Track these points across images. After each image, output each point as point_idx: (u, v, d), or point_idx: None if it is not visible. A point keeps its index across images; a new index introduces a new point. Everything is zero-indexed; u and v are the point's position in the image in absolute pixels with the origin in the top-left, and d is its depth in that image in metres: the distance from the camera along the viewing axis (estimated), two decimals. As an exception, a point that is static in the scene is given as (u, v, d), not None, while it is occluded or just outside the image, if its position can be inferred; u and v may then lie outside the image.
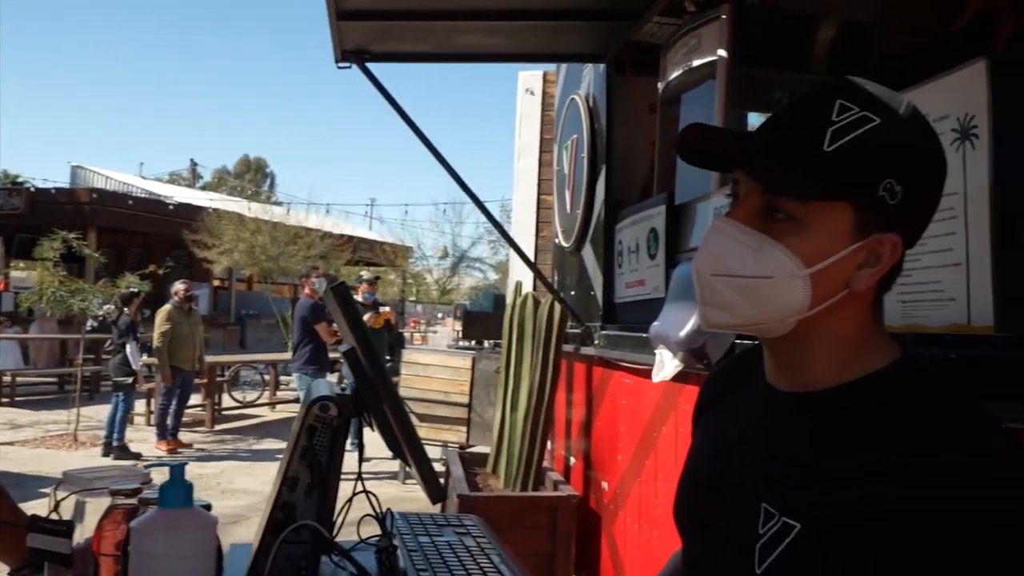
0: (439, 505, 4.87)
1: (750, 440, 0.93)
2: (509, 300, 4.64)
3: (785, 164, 0.82)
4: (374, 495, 1.31)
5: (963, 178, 1.62)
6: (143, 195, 23.32)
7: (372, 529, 1.36)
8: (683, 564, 1.04)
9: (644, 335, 2.77)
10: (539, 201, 6.78)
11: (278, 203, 27.35)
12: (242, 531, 5.09)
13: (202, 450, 8.78)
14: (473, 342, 9.04)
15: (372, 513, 1.30)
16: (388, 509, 1.37)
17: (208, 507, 1.21)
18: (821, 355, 0.87)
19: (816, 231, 0.82)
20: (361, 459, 1.32)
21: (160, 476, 1.16)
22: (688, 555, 1.02)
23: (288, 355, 9.70)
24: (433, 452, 7.58)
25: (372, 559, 1.33)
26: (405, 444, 1.17)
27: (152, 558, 1.02)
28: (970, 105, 1.61)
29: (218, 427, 10.28)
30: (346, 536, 1.37)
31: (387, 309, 8.41)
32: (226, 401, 11.64)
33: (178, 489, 1.05)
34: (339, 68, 3.83)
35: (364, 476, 1.30)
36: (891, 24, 3.27)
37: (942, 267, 1.67)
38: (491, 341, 8.30)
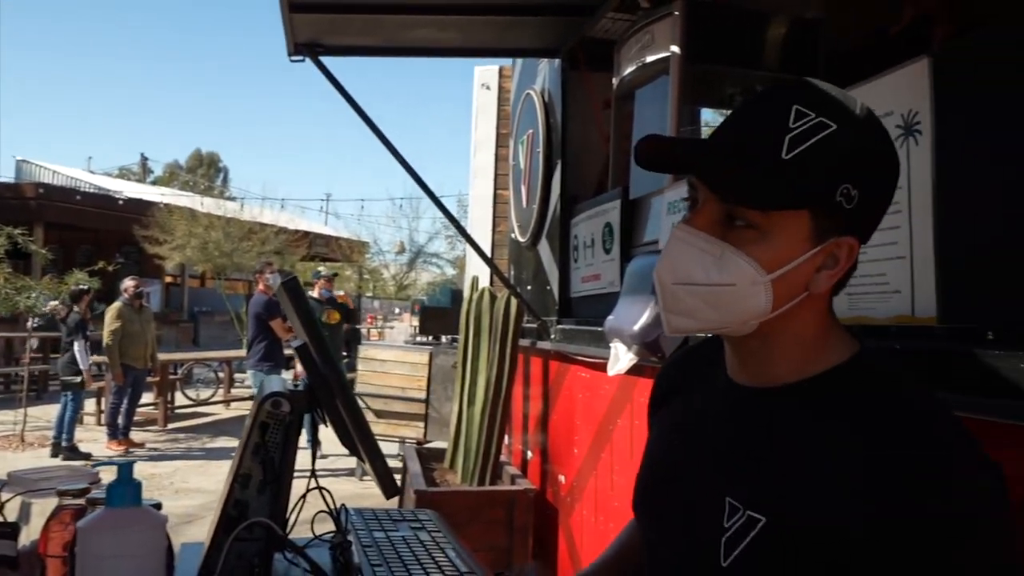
0: (396, 501, 4.86)
1: (710, 433, 0.94)
2: (466, 295, 4.64)
3: (744, 175, 0.82)
4: (328, 491, 1.30)
5: (907, 173, 1.65)
6: (92, 190, 22.80)
7: (327, 526, 1.36)
8: (642, 551, 1.04)
9: (600, 329, 2.79)
10: (495, 196, 6.78)
11: (232, 198, 26.92)
12: (196, 531, 5.02)
13: (155, 449, 8.63)
14: (430, 337, 9.02)
15: (326, 509, 1.29)
16: (342, 505, 1.36)
17: (158, 506, 1.19)
18: (782, 353, 0.89)
19: (776, 238, 0.83)
20: (315, 455, 1.31)
21: (109, 476, 1.14)
22: (648, 544, 1.02)
23: (243, 352, 9.58)
24: (390, 448, 7.56)
25: (327, 555, 1.32)
26: (358, 440, 1.16)
27: (100, 558, 1.00)
28: (914, 101, 1.65)
29: (171, 426, 10.12)
30: (301, 533, 1.36)
31: (342, 293, 8.32)
32: (179, 399, 11.46)
33: (126, 488, 1.04)
34: (292, 62, 3.79)
35: (321, 473, 1.29)
36: (838, 23, 3.33)
37: (888, 260, 1.71)
38: (448, 336, 8.29)
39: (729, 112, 0.91)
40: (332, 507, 1.34)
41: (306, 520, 1.33)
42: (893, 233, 1.69)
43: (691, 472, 0.94)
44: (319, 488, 1.24)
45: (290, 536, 1.31)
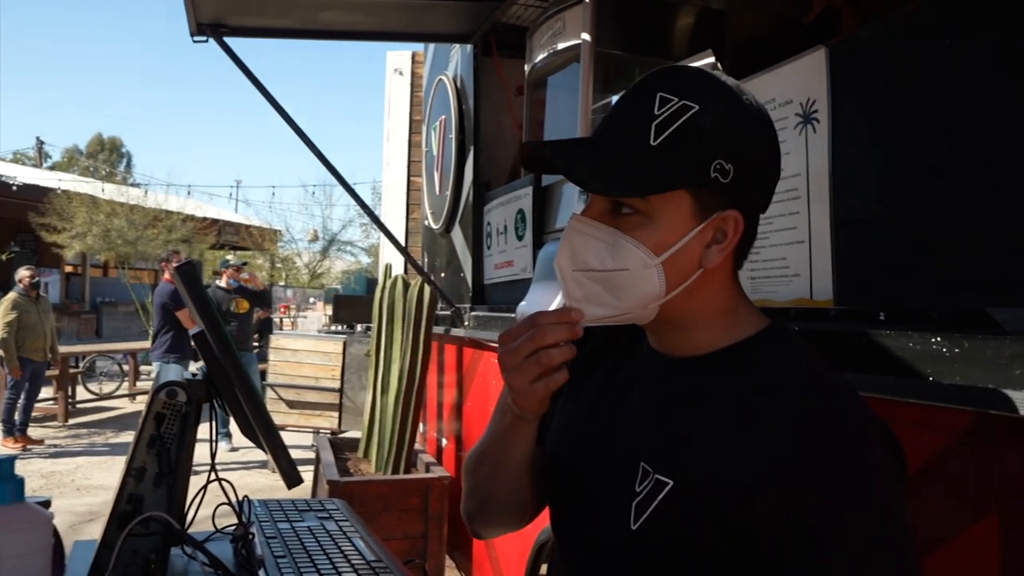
0: (309, 492, 4.78)
1: (629, 400, 0.96)
2: (379, 283, 4.59)
3: (614, 169, 0.85)
4: (229, 483, 1.26)
5: (805, 160, 1.70)
6: (-19, 175, 21.63)
7: (231, 519, 1.32)
8: (553, 521, 1.05)
9: (513, 315, 2.80)
10: (409, 183, 6.72)
11: (136, 184, 25.95)
12: (98, 529, 4.84)
13: (55, 446, 8.27)
14: (344, 326, 8.89)
15: (227, 501, 1.26)
16: (245, 496, 1.32)
17: (47, 503, 1.14)
18: (695, 330, 0.92)
19: (660, 220, 0.86)
20: (214, 445, 1.27)
21: None
22: (561, 508, 1.03)
23: (148, 344, 9.26)
24: (304, 439, 7.44)
25: (228, 549, 1.29)
26: (259, 430, 1.13)
27: (-20, 559, 0.95)
28: (811, 90, 1.70)
29: (72, 421, 9.71)
30: (203, 527, 1.32)
31: (247, 276, 8.09)
32: (81, 393, 11.01)
33: (7, 485, 0.98)
34: (195, 42, 3.67)
35: (232, 466, 1.26)
36: (743, 12, 3.41)
37: (788, 245, 1.76)
38: (363, 325, 8.18)
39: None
40: (235, 499, 1.30)
41: (210, 514, 1.29)
42: (793, 219, 1.74)
43: (608, 437, 0.96)
44: (219, 480, 1.20)
45: (190, 530, 1.27)
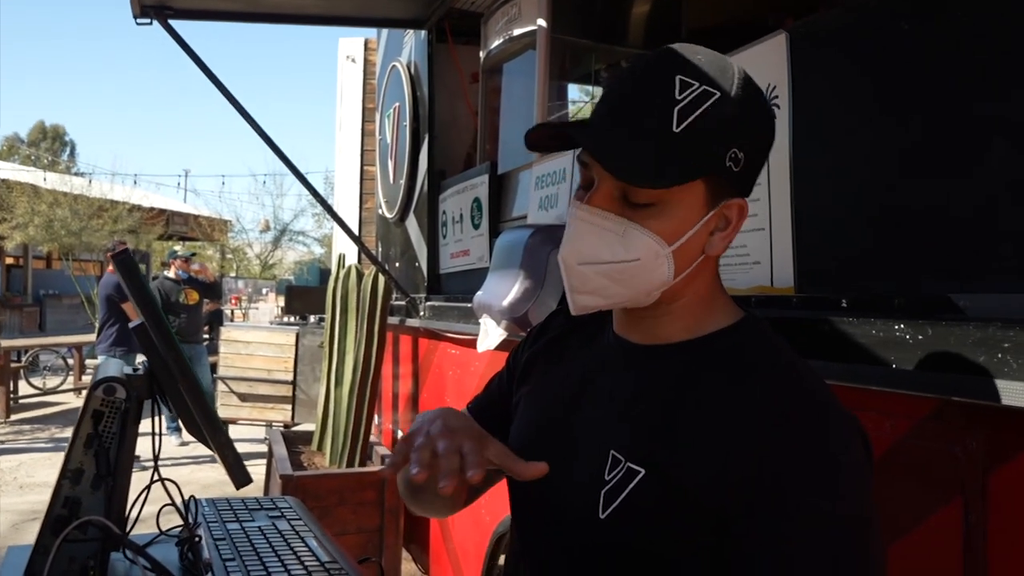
0: (261, 488, 4.69)
1: (597, 388, 0.94)
2: (333, 273, 4.51)
3: (639, 155, 0.82)
4: (174, 482, 1.20)
5: (766, 146, 1.68)
6: (-84, 164, 20.88)
7: (178, 519, 1.26)
8: (514, 512, 1.01)
9: (469, 305, 2.75)
10: (363, 172, 6.61)
11: (79, 173, 25.28)
12: (42, 528, 4.69)
13: (-4, 443, 8.03)
14: (297, 317, 8.76)
15: (172, 502, 1.20)
16: (191, 496, 1.26)
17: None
18: (679, 315, 0.90)
19: (674, 209, 0.84)
20: (156, 441, 1.20)
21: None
22: (524, 496, 1.00)
23: (94, 337, 9.02)
24: (257, 432, 7.32)
25: (174, 552, 1.23)
26: (204, 426, 1.07)
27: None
28: (772, 76, 1.67)
29: (14, 417, 9.43)
30: (150, 527, 1.25)
31: (197, 267, 7.91)
32: (24, 388, 10.70)
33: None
34: (139, 24, 3.54)
35: (183, 461, 1.19)
36: (700, 1, 3.40)
37: (748, 232, 1.74)
38: (316, 316, 8.07)
39: (609, 84, 0.90)
40: (181, 499, 1.24)
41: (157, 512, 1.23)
42: (753, 206, 1.72)
43: (576, 426, 0.94)
44: (161, 480, 1.14)
45: (134, 532, 1.21)
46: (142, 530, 1.25)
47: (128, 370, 1.17)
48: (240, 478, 1.05)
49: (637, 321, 0.93)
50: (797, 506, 0.76)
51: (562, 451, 0.93)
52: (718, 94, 0.83)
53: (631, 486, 0.83)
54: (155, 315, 1.08)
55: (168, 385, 1.10)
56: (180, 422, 1.16)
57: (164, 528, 1.24)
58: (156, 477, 1.14)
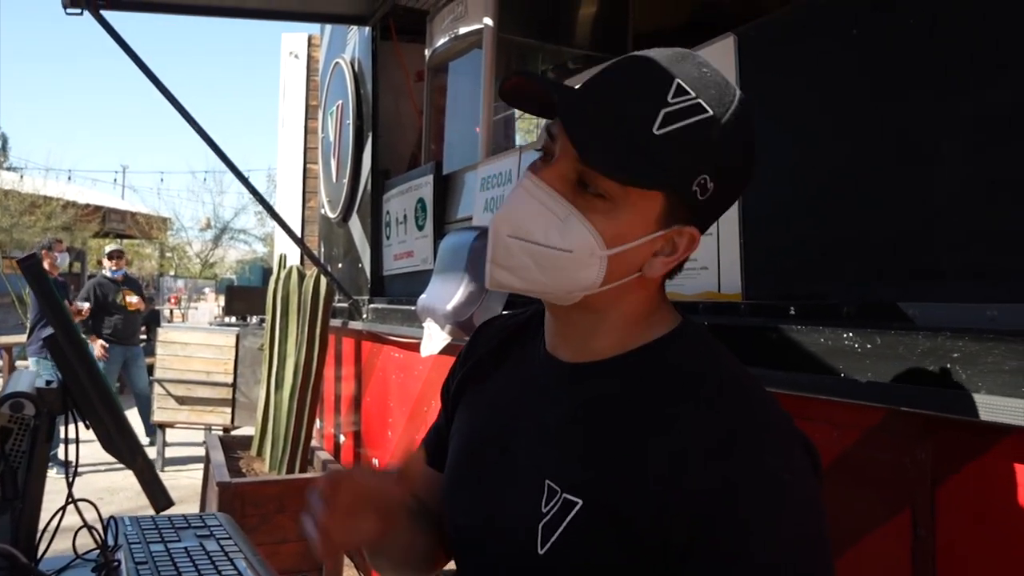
0: (200, 494, 4.56)
1: (528, 412, 0.89)
2: (273, 274, 4.40)
3: (613, 142, 0.76)
4: (91, 502, 1.12)
5: (714, 150, 1.66)
6: None
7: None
8: (448, 536, 0.96)
9: (413, 308, 2.69)
10: (306, 170, 6.50)
11: (11, 168, 24.45)
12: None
13: (-83, 449, 7.68)
14: (237, 318, 8.57)
15: (85, 524, 1.11)
16: (111, 517, 1.18)
17: None
18: (606, 328, 0.85)
19: (623, 213, 0.79)
20: (68, 460, 1.12)
21: None
22: (455, 529, 0.95)
23: (24, 338, 8.69)
24: (195, 436, 7.13)
25: (91, 577, 1.15)
26: (121, 445, 1.00)
27: None
28: (720, 78, 1.65)
29: (-62, 422, 9.05)
30: (66, 545, 1.17)
31: (123, 260, 7.64)
32: (-52, 392, 10.28)
33: None
34: (68, 15, 3.39)
35: (113, 468, 1.11)
36: (649, 2, 3.39)
37: (696, 237, 1.71)
38: (257, 317, 7.89)
39: (608, 65, 0.84)
40: (99, 518, 1.16)
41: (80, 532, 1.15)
42: (701, 210, 1.69)
43: (507, 453, 0.88)
44: (74, 502, 1.06)
45: (49, 555, 1.12)
46: (58, 550, 1.17)
47: (41, 383, 1.08)
48: (160, 501, 0.98)
49: (567, 336, 0.88)
50: (745, 536, 0.72)
51: (496, 483, 0.88)
52: (710, 113, 0.78)
53: (569, 518, 0.78)
54: (67, 325, 1.00)
55: (83, 400, 1.02)
56: (67, 452, 1.08)
57: (81, 551, 1.15)
58: (70, 499, 1.06)
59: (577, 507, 0.78)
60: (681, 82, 0.78)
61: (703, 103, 0.78)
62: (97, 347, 6.89)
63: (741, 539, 0.72)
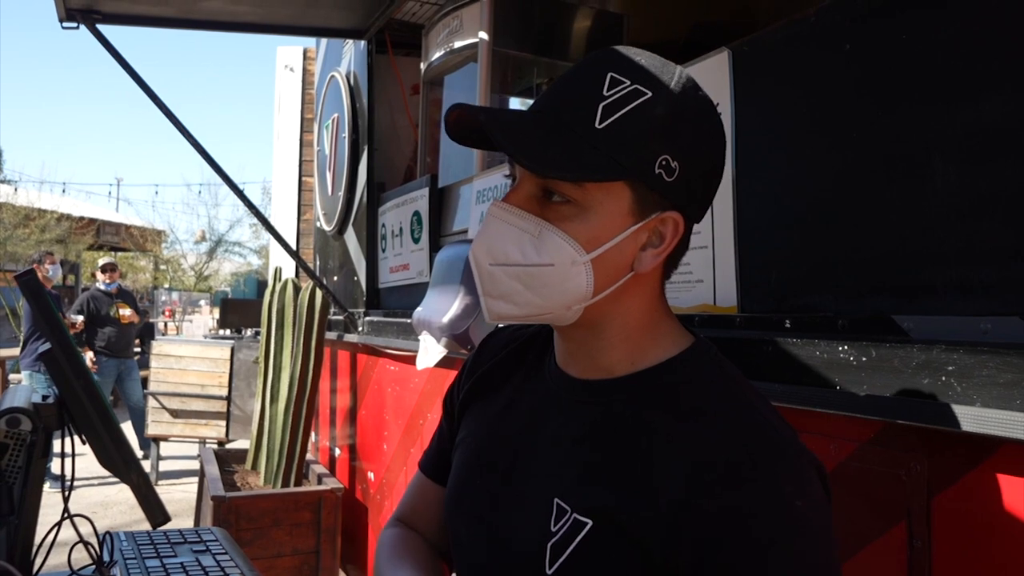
0: (194, 508, 4.54)
1: (537, 429, 0.88)
2: (269, 286, 4.40)
3: (554, 145, 0.76)
4: (87, 518, 1.12)
5: (709, 163, 1.67)
6: None
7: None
8: (452, 554, 0.96)
9: (409, 321, 2.69)
10: (301, 183, 6.51)
11: (5, 181, 24.41)
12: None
13: (-91, 463, 7.64)
14: (232, 331, 8.56)
15: (81, 539, 1.11)
16: (107, 532, 1.18)
17: None
18: (613, 342, 0.84)
19: (594, 213, 0.78)
20: (65, 474, 1.12)
21: None
22: (459, 547, 0.94)
23: (18, 351, 8.66)
24: (190, 449, 7.10)
25: (87, 593, 1.14)
26: (118, 461, 1.00)
27: None
28: (715, 93, 1.66)
29: (-70, 436, 9.00)
30: (61, 560, 1.16)
31: (117, 273, 7.63)
32: (-59, 405, 10.23)
33: None
34: (64, 29, 3.40)
35: (109, 481, 1.11)
36: (643, 16, 3.41)
37: (692, 249, 1.71)
38: (252, 329, 7.88)
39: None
40: (95, 533, 1.15)
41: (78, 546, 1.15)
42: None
43: (517, 473, 0.87)
44: (70, 517, 1.06)
45: (43, 573, 1.12)
46: (53, 566, 1.17)
47: (38, 398, 1.08)
48: (157, 516, 0.98)
49: (574, 353, 0.87)
50: (758, 560, 0.71)
51: (502, 499, 0.87)
52: (649, 94, 0.77)
53: (579, 538, 0.77)
54: (64, 340, 1.00)
55: (80, 415, 1.02)
56: (63, 467, 1.07)
57: (76, 567, 1.15)
58: (66, 514, 1.06)
59: (587, 528, 0.77)
60: (614, 74, 0.78)
61: (640, 87, 0.78)
62: (87, 359, 6.87)
63: (753, 564, 0.71)
